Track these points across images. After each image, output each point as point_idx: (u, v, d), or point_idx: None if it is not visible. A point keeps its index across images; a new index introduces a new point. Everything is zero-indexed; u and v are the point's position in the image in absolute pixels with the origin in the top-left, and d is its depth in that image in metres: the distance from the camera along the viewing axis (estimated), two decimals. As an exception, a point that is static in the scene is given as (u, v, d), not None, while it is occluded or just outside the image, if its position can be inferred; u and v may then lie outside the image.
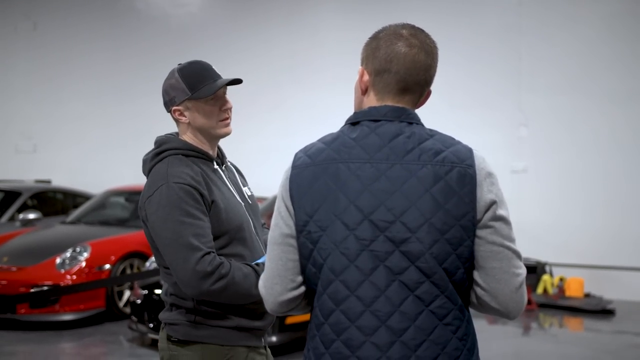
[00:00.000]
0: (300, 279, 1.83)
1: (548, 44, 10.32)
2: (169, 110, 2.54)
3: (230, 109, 2.54)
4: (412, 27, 1.85)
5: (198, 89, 2.45)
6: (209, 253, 2.33)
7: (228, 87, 2.55)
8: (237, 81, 2.52)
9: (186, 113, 2.49)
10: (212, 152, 2.57)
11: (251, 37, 12.20)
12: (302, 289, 1.84)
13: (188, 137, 2.53)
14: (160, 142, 2.53)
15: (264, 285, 1.88)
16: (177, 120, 2.54)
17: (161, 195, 2.37)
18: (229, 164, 2.69)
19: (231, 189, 2.55)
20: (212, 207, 2.41)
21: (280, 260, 1.83)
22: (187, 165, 2.44)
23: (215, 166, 2.55)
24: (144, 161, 2.55)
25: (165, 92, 2.51)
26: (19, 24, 13.91)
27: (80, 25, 13.53)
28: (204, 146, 2.54)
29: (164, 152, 2.49)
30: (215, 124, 2.51)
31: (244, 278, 2.37)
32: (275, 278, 1.84)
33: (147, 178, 2.51)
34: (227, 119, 2.53)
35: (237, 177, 2.68)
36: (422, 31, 1.85)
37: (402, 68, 1.80)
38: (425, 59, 1.81)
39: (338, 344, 1.74)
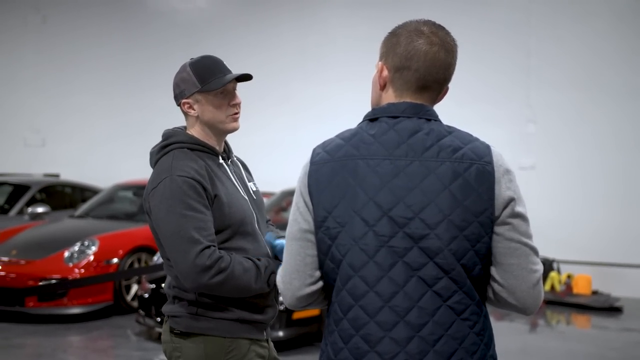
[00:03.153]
0: (318, 274, 1.84)
1: (557, 40, 10.29)
2: (178, 104, 2.55)
3: (238, 104, 2.55)
4: (433, 24, 1.85)
5: (208, 82, 2.47)
6: (209, 247, 2.35)
7: (238, 83, 2.57)
8: (247, 77, 2.53)
9: (195, 106, 2.51)
10: (219, 147, 2.58)
11: (259, 33, 12.20)
12: (320, 284, 1.86)
13: (195, 131, 2.55)
14: (167, 136, 2.56)
15: (282, 280, 1.89)
16: (186, 114, 2.55)
17: (164, 187, 2.39)
18: (235, 158, 2.70)
19: (236, 183, 2.56)
20: (215, 201, 2.43)
21: (299, 255, 1.84)
22: (192, 159, 2.46)
23: (221, 160, 2.57)
24: (151, 154, 2.57)
25: (176, 85, 2.53)
26: (28, 17, 13.95)
27: (89, 19, 13.56)
28: (211, 140, 2.55)
29: (170, 145, 2.51)
30: (223, 118, 2.52)
31: (244, 272, 2.38)
32: (293, 273, 1.86)
33: (153, 170, 2.53)
34: (235, 114, 2.55)
35: (243, 172, 2.70)
36: (443, 28, 1.85)
37: (422, 66, 1.80)
38: (446, 57, 1.81)
39: (357, 339, 1.75)
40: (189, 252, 2.33)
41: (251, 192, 2.64)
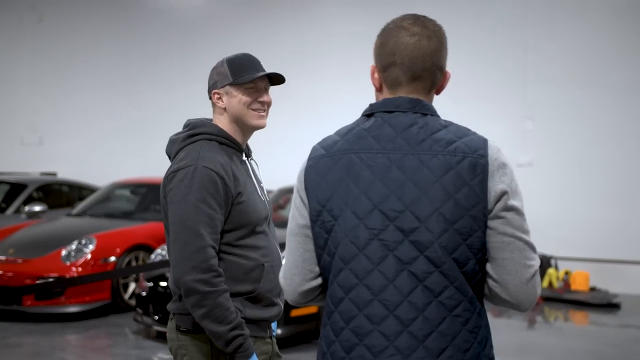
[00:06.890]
0: (317, 269, 1.86)
1: (554, 36, 10.29)
2: (210, 96, 2.61)
3: (267, 102, 2.58)
4: (413, 15, 1.85)
5: (240, 75, 2.52)
6: (212, 247, 2.36)
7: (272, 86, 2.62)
8: (280, 79, 2.58)
9: (224, 97, 2.55)
10: (243, 144, 2.61)
11: (257, 30, 12.18)
12: (321, 279, 1.87)
13: (222, 125, 2.58)
14: (194, 125, 2.58)
15: (284, 276, 1.90)
16: (214, 104, 2.60)
17: (187, 173, 2.40)
18: (253, 159, 2.73)
19: (255, 183, 2.59)
20: (237, 198, 2.44)
21: (298, 251, 1.86)
22: (219, 153, 2.48)
23: (244, 158, 2.60)
24: (173, 141, 2.59)
25: (210, 77, 2.60)
26: (24, 16, 13.92)
27: (85, 17, 13.54)
28: (237, 136, 2.58)
29: (198, 135, 2.53)
30: (248, 112, 2.55)
31: (225, 309, 2.35)
32: (293, 269, 1.87)
33: (172, 158, 2.54)
34: (261, 110, 2.58)
35: (258, 172, 2.73)
36: (424, 18, 1.84)
37: (406, 58, 1.80)
38: (429, 44, 1.80)
39: (347, 332, 1.75)
40: (189, 244, 2.33)
41: (265, 192, 2.67)
